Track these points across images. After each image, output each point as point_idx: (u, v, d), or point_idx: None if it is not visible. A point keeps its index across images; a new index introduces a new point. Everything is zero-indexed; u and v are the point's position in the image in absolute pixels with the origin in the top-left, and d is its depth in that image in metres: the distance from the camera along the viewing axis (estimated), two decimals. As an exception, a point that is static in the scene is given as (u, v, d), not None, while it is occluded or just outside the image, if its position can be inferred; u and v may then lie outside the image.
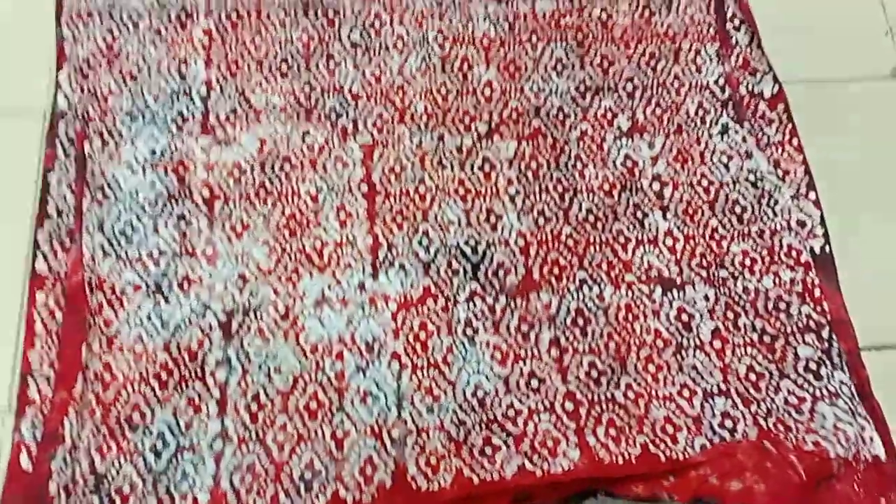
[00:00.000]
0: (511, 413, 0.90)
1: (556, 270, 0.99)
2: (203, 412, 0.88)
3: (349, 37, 1.10)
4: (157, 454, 0.86)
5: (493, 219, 1.01)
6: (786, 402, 0.93)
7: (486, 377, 0.92)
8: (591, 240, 1.01)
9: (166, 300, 0.93)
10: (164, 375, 0.89)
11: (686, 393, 0.93)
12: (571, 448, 0.88)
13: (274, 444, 0.87)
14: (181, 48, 1.07)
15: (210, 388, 0.89)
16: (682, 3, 1.16)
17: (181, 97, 1.04)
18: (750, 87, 1.13)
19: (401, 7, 1.12)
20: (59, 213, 0.97)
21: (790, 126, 1.10)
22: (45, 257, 0.94)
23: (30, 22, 1.09)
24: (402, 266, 0.98)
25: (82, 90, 1.04)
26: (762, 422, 0.91)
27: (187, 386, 0.89)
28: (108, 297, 0.92)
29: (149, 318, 0.92)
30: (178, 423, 0.87)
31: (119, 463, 0.85)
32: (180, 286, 0.94)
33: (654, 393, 0.92)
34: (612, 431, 0.90)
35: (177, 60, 1.06)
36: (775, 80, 1.13)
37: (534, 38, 1.13)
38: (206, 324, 0.92)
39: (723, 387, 0.93)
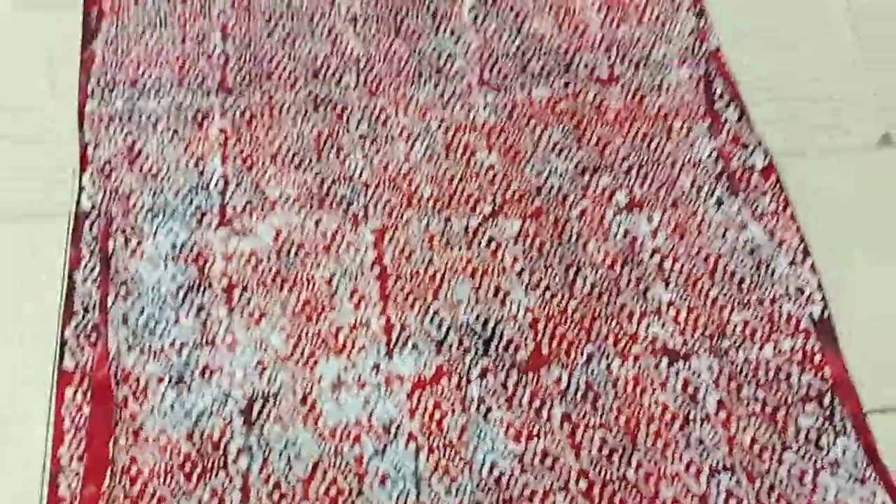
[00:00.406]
0: (527, 492, 0.91)
1: (564, 344, 1.01)
2: (227, 503, 0.89)
3: (357, 129, 1.14)
4: (184, 545, 0.87)
5: (501, 295, 1.04)
6: (789, 474, 0.94)
7: (502, 455, 0.93)
8: (597, 313, 1.03)
9: (189, 390, 0.95)
10: (188, 466, 0.90)
11: (693, 469, 0.93)
12: (587, 529, 0.89)
13: (297, 531, 0.88)
14: (199, 146, 1.12)
15: (233, 477, 0.90)
16: (671, 85, 1.20)
17: (199, 192, 1.08)
18: (742, 161, 1.16)
19: (405, 100, 1.17)
20: (86, 310, 1.00)
21: (783, 196, 1.13)
22: (72, 353, 0.97)
23: (53, 127, 1.13)
24: (415, 345, 1.00)
25: (105, 190, 1.08)
26: (765, 499, 0.91)
27: (211, 476, 0.90)
28: (133, 389, 0.94)
29: (172, 408, 0.94)
30: (203, 515, 0.89)
31: (146, 555, 0.86)
32: (202, 375, 0.96)
33: (662, 471, 0.93)
34: (625, 512, 0.91)
35: (195, 158, 1.11)
36: (766, 152, 1.16)
37: (532, 123, 1.17)
38: (228, 412, 0.94)
39: (728, 461, 0.94)
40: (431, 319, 1.02)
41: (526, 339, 1.01)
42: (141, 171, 1.10)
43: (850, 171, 1.17)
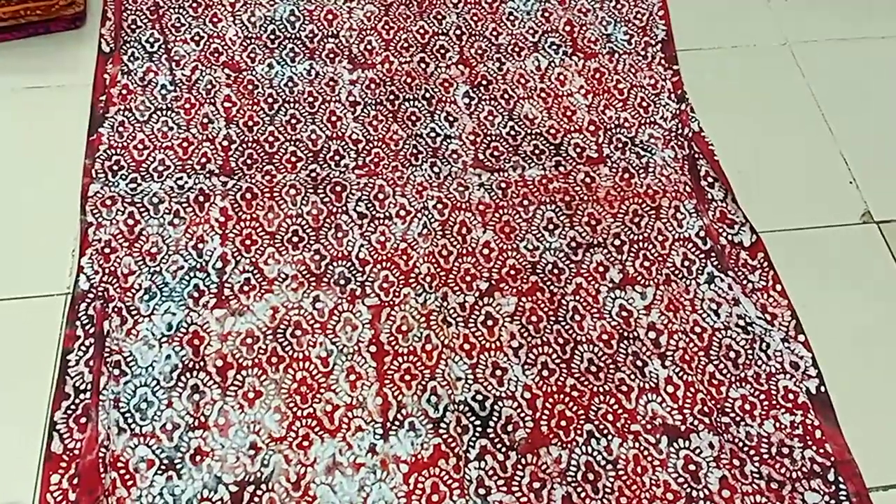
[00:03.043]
0: (530, 579, 0.82)
1: (563, 423, 0.93)
2: None
3: (355, 209, 1.09)
4: None
5: (498, 373, 0.96)
6: (802, 553, 0.85)
7: (502, 540, 0.84)
8: (595, 390, 0.96)
9: (179, 475, 0.86)
10: (175, 556, 0.81)
11: (699, 548, 0.84)
12: None
13: None
14: (199, 227, 1.05)
15: (222, 568, 0.81)
16: (658, 166, 1.16)
17: (198, 273, 1.01)
18: (729, 238, 1.11)
19: (402, 180, 1.11)
20: (77, 392, 0.91)
21: (772, 272, 1.07)
22: (61, 437, 0.87)
23: (54, 207, 1.07)
24: (412, 425, 0.91)
25: (103, 271, 1.01)
26: None
27: (199, 567, 0.80)
28: (121, 474, 0.85)
29: (161, 494, 0.84)
30: None
31: None
32: (193, 459, 0.87)
33: None
34: None
35: (194, 238, 1.04)
36: (752, 230, 1.11)
37: (525, 202, 1.11)
38: (218, 498, 0.84)
39: (735, 539, 0.85)
40: (429, 399, 0.93)
41: (524, 417, 0.93)
42: (140, 252, 1.03)
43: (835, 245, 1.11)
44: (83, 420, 0.89)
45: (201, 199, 1.07)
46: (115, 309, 0.97)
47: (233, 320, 0.97)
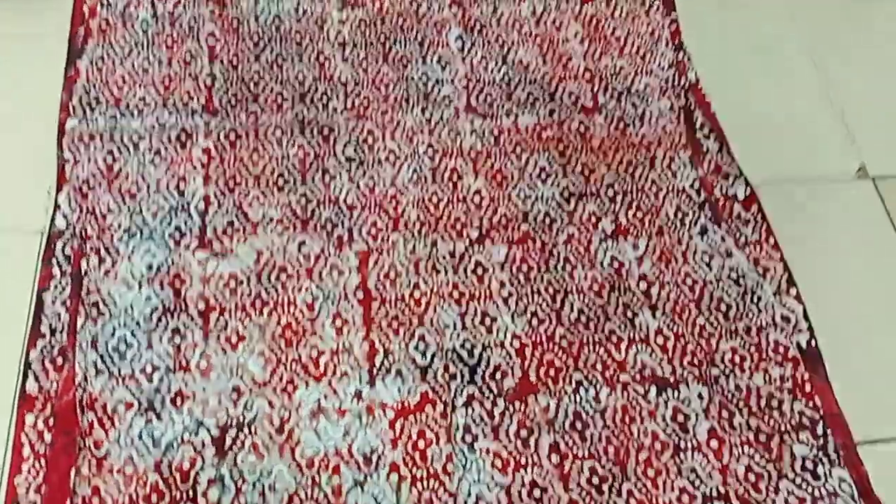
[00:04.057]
0: (515, 525, 0.80)
1: (552, 372, 0.90)
2: (195, 537, 0.77)
3: (343, 152, 1.04)
4: (147, 585, 0.74)
5: (487, 321, 0.93)
6: (786, 503, 0.83)
7: (488, 487, 0.82)
8: (585, 340, 0.93)
9: (158, 417, 0.83)
10: (154, 498, 0.78)
11: (685, 498, 0.83)
12: (578, 564, 0.78)
13: (270, 568, 0.76)
14: (181, 167, 1.01)
15: (202, 510, 0.78)
16: (653, 116, 1.12)
17: (179, 213, 0.97)
18: (724, 191, 1.07)
19: (392, 124, 1.07)
20: (53, 332, 0.87)
21: (765, 226, 1.04)
22: (35, 377, 0.84)
23: (31, 144, 1.01)
24: (398, 372, 0.88)
25: (81, 209, 0.96)
26: None
27: (179, 509, 0.78)
28: (99, 416, 0.82)
29: (140, 436, 0.81)
30: (168, 551, 0.76)
31: None
32: (173, 402, 0.84)
33: (654, 500, 0.82)
34: (617, 546, 0.79)
35: (176, 178, 1.00)
36: (747, 183, 1.07)
37: (518, 150, 1.07)
38: (199, 441, 0.81)
39: (722, 490, 0.83)
40: (416, 345, 0.90)
41: (513, 366, 0.90)
42: (119, 191, 0.98)
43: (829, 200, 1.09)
44: (59, 360, 0.85)
45: (183, 138, 1.02)
46: (93, 248, 0.93)
47: (215, 263, 0.93)
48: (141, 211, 0.96)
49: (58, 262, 0.91)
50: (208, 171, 1.00)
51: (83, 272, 0.91)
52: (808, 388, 0.91)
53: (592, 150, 1.09)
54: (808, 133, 1.15)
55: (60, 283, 0.90)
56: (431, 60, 1.13)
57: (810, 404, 0.90)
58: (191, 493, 0.78)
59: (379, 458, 0.82)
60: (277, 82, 1.09)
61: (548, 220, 1.02)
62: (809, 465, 0.85)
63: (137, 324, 0.88)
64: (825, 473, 0.85)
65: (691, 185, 1.07)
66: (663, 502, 0.82)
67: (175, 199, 0.98)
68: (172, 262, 0.93)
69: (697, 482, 0.84)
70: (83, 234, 0.94)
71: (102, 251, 0.93)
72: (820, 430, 0.88)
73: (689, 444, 0.86)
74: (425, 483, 0.81)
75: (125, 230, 0.95)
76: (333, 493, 0.80)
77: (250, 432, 0.83)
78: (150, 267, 0.92)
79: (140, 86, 1.06)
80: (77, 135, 1.01)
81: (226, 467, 0.80)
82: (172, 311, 0.89)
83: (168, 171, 1.00)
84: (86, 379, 0.83)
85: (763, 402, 0.90)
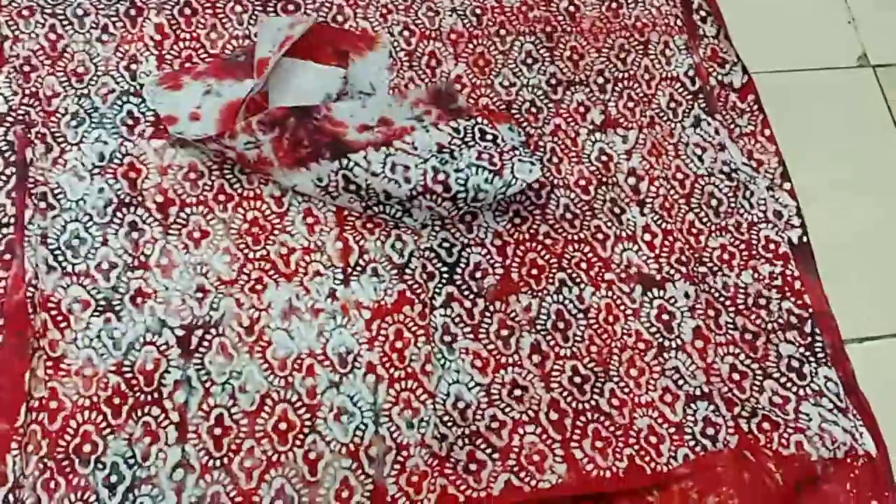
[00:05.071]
0: (495, 425, 0.76)
1: (534, 271, 0.85)
2: (161, 440, 0.72)
3: (311, 31, 0.94)
4: (112, 489, 0.70)
5: (468, 218, 0.87)
6: (770, 402, 0.81)
7: (467, 387, 0.78)
8: (570, 238, 0.87)
9: (118, 317, 0.77)
10: (116, 400, 0.73)
11: (668, 398, 0.80)
12: (558, 462, 0.75)
13: (241, 471, 0.72)
14: (131, 46, 0.90)
15: (168, 412, 0.73)
16: (649, -5, 1.02)
17: (131, 97, 0.87)
18: (720, 79, 1.00)
19: (363, 0, 0.96)
20: (-1, 226, 0.79)
21: (762, 116, 0.98)
22: (-19, 276, 0.77)
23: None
24: (374, 271, 0.83)
25: (23, 92, 0.86)
26: (744, 425, 0.79)
27: (143, 411, 0.73)
28: (52, 315, 0.75)
29: (98, 337, 0.75)
30: (133, 454, 0.71)
31: (69, 501, 0.69)
32: (133, 301, 0.78)
33: (637, 399, 0.79)
34: (599, 443, 0.77)
35: (126, 58, 0.89)
36: (744, 70, 1.00)
37: (502, 32, 0.98)
38: (163, 342, 0.76)
39: (705, 389, 0.81)
40: (393, 245, 0.84)
41: (494, 264, 0.85)
42: (65, 71, 0.88)
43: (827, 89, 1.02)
44: (7, 256, 0.78)
45: (133, 12, 0.91)
46: (39, 135, 0.84)
47: (173, 152, 0.85)
48: (89, 94, 0.87)
49: (0, 150, 0.82)
50: (162, 51, 0.90)
51: (28, 161, 0.82)
52: (797, 285, 0.88)
53: (582, 33, 0.99)
54: (810, 17, 1.07)
55: (4, 172, 0.81)
56: (408, -71, 1.01)
57: (799, 302, 0.87)
58: (156, 395, 0.74)
59: (355, 358, 0.78)
60: (236, -49, 0.96)
61: (533, 110, 0.94)
62: (796, 363, 0.83)
63: (90, 217, 0.80)
64: (811, 373, 0.83)
65: (686, 73, 0.99)
66: (646, 402, 0.79)
67: (127, 81, 0.88)
68: (126, 151, 0.84)
69: (681, 381, 0.81)
70: (27, 118, 0.84)
71: (49, 138, 0.84)
72: (808, 329, 0.85)
73: (674, 344, 0.83)
74: (403, 384, 0.77)
75: (73, 115, 0.85)
76: (308, 395, 0.76)
77: (218, 333, 0.77)
78: (101, 156, 0.83)
79: (82, -48, 0.93)
80: (15, 8, 0.90)
81: (192, 369, 0.75)
82: (128, 204, 0.82)
83: (118, 50, 0.89)
84: (36, 276, 0.77)
85: (751, 301, 0.86)
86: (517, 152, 0.84)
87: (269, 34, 0.88)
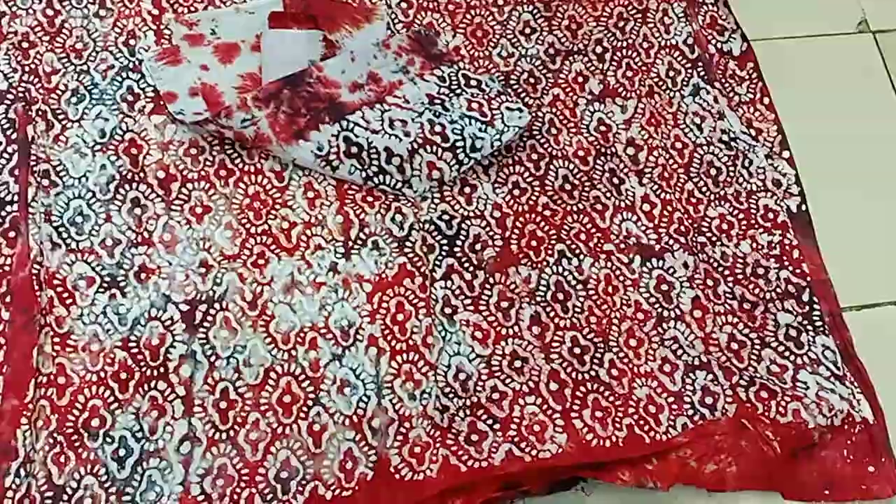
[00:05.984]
0: (496, 396, 0.76)
1: (533, 243, 0.84)
2: (168, 413, 0.73)
3: (309, 4, 0.92)
4: (121, 462, 0.71)
5: (467, 190, 0.86)
6: (768, 371, 0.81)
7: (468, 358, 0.78)
8: (569, 209, 0.87)
9: (123, 293, 0.76)
10: (123, 375, 0.73)
11: (667, 367, 0.80)
12: (558, 432, 0.75)
13: (246, 443, 0.73)
14: (129, 21, 0.88)
15: (174, 386, 0.73)
16: (648, -38, 0.99)
17: (131, 73, 0.86)
18: (718, 46, 0.98)
19: (362, -30, 0.94)
20: (3, 204, 0.79)
21: (761, 84, 0.96)
22: (-13, 254, 0.76)
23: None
24: (375, 244, 0.82)
25: (23, 69, 0.85)
26: (742, 394, 0.78)
27: (149, 386, 0.73)
28: (58, 292, 0.75)
29: (104, 313, 0.75)
30: (141, 427, 0.72)
31: (79, 474, 0.70)
32: (137, 277, 0.77)
33: (636, 370, 0.79)
34: (598, 413, 0.76)
35: (125, 34, 0.88)
36: (743, 38, 0.98)
37: (500, 2, 0.96)
38: (168, 317, 0.76)
39: (704, 359, 0.80)
40: (393, 218, 0.83)
41: (493, 236, 0.84)
42: (64, 47, 0.86)
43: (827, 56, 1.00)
44: (12, 234, 0.77)
45: (130, -14, 0.90)
46: (40, 112, 0.83)
47: (174, 128, 0.84)
48: (89, 70, 0.85)
49: (2, 128, 0.82)
50: (160, 26, 0.88)
51: (30, 139, 0.81)
52: (795, 254, 0.87)
53: (580, 2, 0.97)
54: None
55: (7, 150, 0.81)
56: None
57: (797, 271, 0.86)
58: (162, 369, 0.74)
59: (357, 331, 0.78)
60: (233, -77, 0.94)
61: (532, 81, 0.92)
62: (793, 332, 0.82)
63: (93, 194, 0.80)
64: (809, 341, 0.82)
65: (685, 41, 0.97)
66: (645, 372, 0.79)
67: (126, 57, 0.86)
68: (127, 128, 0.83)
69: (680, 351, 0.80)
70: (27, 95, 0.83)
71: (50, 115, 0.83)
72: (806, 298, 0.84)
73: (673, 314, 0.82)
74: (405, 356, 0.77)
75: (73, 92, 0.84)
76: (311, 368, 0.76)
77: (221, 307, 0.77)
78: (102, 133, 0.83)
79: (77, -74, 0.91)
80: (10, -16, 0.88)
81: (197, 343, 0.75)
82: (130, 180, 0.81)
83: (116, 24, 0.88)
84: (41, 253, 0.76)
85: (749, 270, 0.86)
86: (503, 98, 0.85)
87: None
